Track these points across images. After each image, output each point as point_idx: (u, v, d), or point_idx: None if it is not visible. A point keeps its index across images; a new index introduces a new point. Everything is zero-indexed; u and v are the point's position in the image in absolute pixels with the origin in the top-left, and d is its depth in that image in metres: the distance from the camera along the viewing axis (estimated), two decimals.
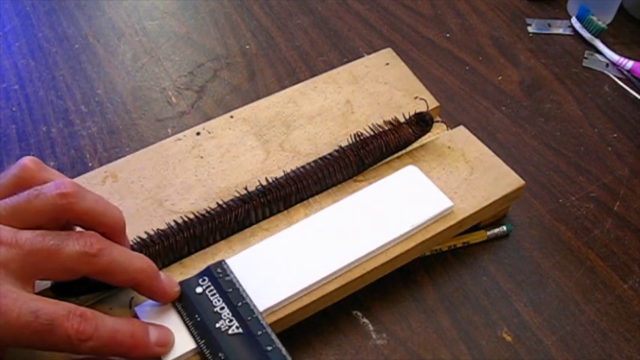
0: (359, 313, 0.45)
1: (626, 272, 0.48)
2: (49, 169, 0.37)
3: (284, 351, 0.37)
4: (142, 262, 0.36)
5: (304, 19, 0.68)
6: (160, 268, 0.41)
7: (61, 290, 0.39)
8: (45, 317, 0.31)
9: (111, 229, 0.36)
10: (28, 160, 0.37)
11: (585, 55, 0.65)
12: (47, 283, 0.39)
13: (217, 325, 0.38)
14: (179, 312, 0.39)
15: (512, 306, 0.46)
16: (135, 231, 0.42)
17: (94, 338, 0.33)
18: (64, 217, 0.35)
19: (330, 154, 0.47)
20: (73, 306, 0.33)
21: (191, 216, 0.43)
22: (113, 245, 0.35)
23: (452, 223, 0.45)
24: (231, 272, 0.40)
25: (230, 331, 0.38)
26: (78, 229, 0.37)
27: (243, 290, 0.39)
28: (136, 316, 0.39)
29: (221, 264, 0.41)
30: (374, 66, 0.54)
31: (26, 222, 0.34)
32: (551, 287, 0.47)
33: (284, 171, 0.46)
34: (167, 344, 0.37)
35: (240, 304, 0.39)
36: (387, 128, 0.48)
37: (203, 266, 0.41)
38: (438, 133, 0.51)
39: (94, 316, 0.33)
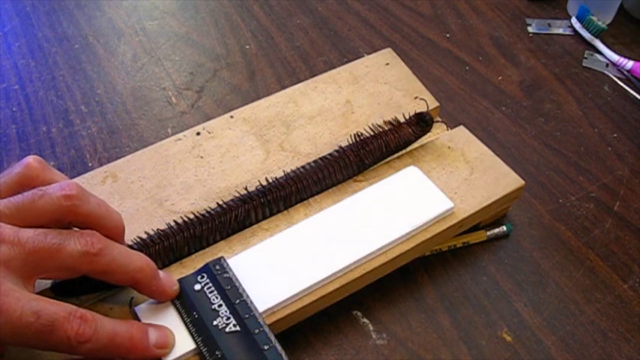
0: (359, 313, 0.45)
1: (626, 272, 0.48)
2: (53, 169, 0.38)
3: (281, 350, 0.37)
4: (141, 261, 0.37)
5: (304, 19, 0.68)
6: (160, 268, 0.41)
7: (61, 290, 0.39)
8: (46, 318, 0.31)
9: (111, 233, 0.36)
10: (32, 159, 0.37)
11: (585, 55, 0.65)
12: (47, 284, 0.39)
13: (215, 323, 0.38)
14: (177, 310, 0.39)
15: (512, 306, 0.46)
16: (135, 231, 0.42)
17: (92, 340, 0.33)
18: (67, 219, 0.35)
19: (330, 154, 0.47)
20: (74, 307, 0.33)
21: (191, 216, 0.43)
22: (114, 244, 0.35)
23: (452, 223, 0.45)
24: (230, 269, 0.40)
25: (227, 329, 0.38)
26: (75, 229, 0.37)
27: (242, 288, 0.39)
28: (135, 316, 0.39)
29: (220, 261, 0.41)
30: (374, 66, 0.54)
31: (29, 221, 0.34)
32: (551, 287, 0.47)
33: (284, 171, 0.46)
34: (167, 346, 0.37)
35: (238, 301, 0.39)
36: (387, 128, 0.48)
37: None
38: (438, 133, 0.51)
39: (94, 319, 0.33)
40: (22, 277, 0.33)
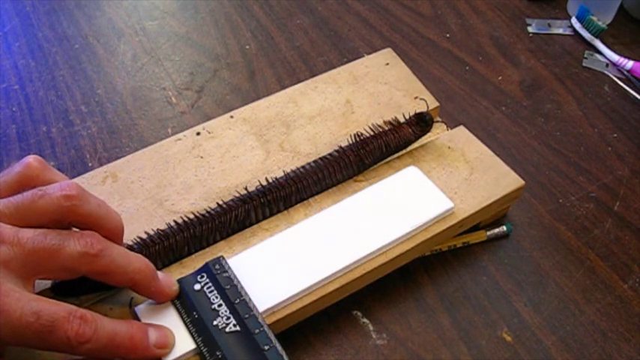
0: (359, 313, 0.45)
1: (626, 272, 0.48)
2: (53, 169, 0.38)
3: (281, 350, 0.37)
4: (140, 262, 0.37)
5: (304, 19, 0.68)
6: (160, 268, 0.41)
7: (61, 290, 0.39)
8: (46, 318, 0.31)
9: (110, 234, 0.36)
10: (32, 159, 0.37)
11: (585, 55, 0.65)
12: (47, 284, 0.39)
13: (215, 323, 0.38)
14: (177, 310, 0.39)
15: (512, 306, 0.46)
16: (135, 231, 0.42)
17: (92, 341, 0.33)
18: (67, 219, 0.35)
19: (330, 154, 0.47)
20: (74, 308, 0.33)
21: (191, 216, 0.43)
22: (113, 246, 0.35)
23: (452, 223, 0.45)
24: (230, 269, 0.40)
25: (227, 329, 0.38)
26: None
27: (242, 287, 0.39)
28: (135, 316, 0.39)
29: (219, 260, 0.41)
30: (374, 66, 0.54)
31: (29, 222, 0.34)
32: (551, 287, 0.47)
33: (284, 171, 0.46)
34: (167, 346, 0.37)
35: (237, 301, 0.39)
36: (387, 128, 0.48)
37: None
38: (438, 133, 0.51)
39: (94, 319, 0.33)
40: (22, 277, 0.33)
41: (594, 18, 0.65)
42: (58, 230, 0.34)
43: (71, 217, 0.35)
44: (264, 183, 0.45)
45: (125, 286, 0.37)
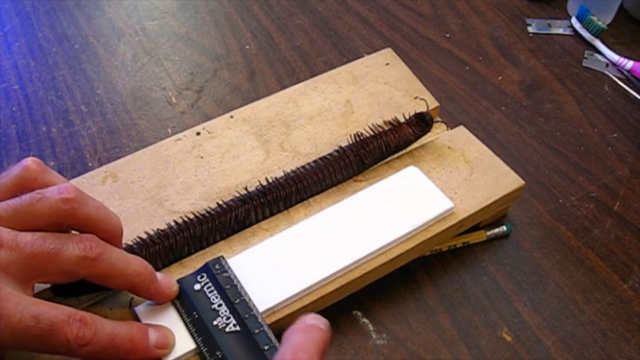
0: (359, 313, 0.45)
1: (626, 272, 0.48)
2: (52, 171, 0.38)
3: None
4: (139, 265, 0.36)
5: (304, 19, 0.68)
6: (160, 269, 0.42)
7: (61, 291, 0.39)
8: (45, 322, 0.31)
9: (109, 236, 0.36)
10: (30, 161, 0.37)
11: (585, 55, 0.65)
12: (46, 284, 0.39)
13: (215, 323, 0.38)
14: (177, 310, 0.39)
15: (512, 306, 0.46)
16: (135, 231, 0.42)
17: (92, 343, 0.33)
18: (66, 222, 0.35)
19: (330, 154, 0.47)
20: (73, 310, 0.33)
21: (191, 216, 0.43)
22: (112, 249, 0.35)
23: (452, 223, 0.45)
24: (230, 268, 0.40)
25: (227, 329, 0.38)
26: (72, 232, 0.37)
27: (242, 287, 0.39)
28: (135, 316, 0.39)
29: (219, 260, 0.41)
30: (374, 66, 0.54)
31: (27, 225, 0.34)
32: (551, 287, 0.47)
33: (284, 171, 0.46)
34: (167, 346, 0.37)
35: (237, 301, 0.39)
36: (387, 128, 0.48)
37: None
38: (438, 133, 0.51)
39: (94, 321, 0.33)
40: (21, 281, 0.33)
41: (594, 18, 0.65)
42: (56, 234, 0.34)
43: (70, 220, 0.35)
44: (264, 183, 0.45)
45: (124, 289, 0.37)
